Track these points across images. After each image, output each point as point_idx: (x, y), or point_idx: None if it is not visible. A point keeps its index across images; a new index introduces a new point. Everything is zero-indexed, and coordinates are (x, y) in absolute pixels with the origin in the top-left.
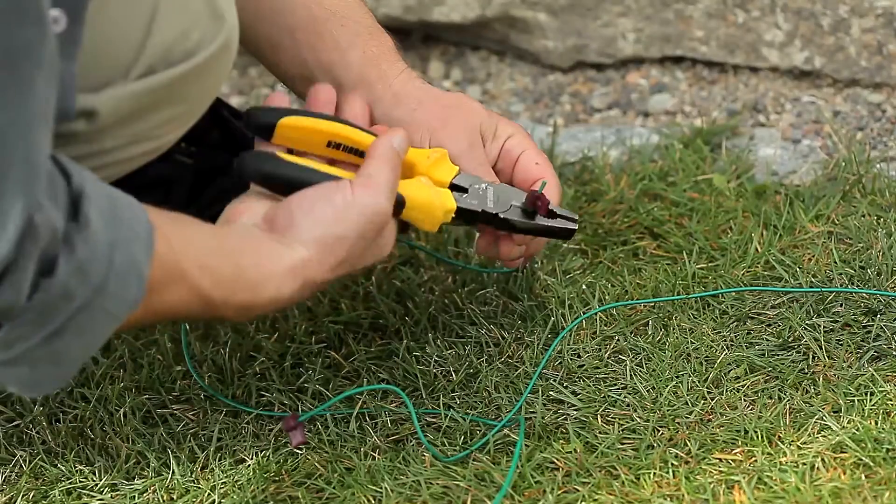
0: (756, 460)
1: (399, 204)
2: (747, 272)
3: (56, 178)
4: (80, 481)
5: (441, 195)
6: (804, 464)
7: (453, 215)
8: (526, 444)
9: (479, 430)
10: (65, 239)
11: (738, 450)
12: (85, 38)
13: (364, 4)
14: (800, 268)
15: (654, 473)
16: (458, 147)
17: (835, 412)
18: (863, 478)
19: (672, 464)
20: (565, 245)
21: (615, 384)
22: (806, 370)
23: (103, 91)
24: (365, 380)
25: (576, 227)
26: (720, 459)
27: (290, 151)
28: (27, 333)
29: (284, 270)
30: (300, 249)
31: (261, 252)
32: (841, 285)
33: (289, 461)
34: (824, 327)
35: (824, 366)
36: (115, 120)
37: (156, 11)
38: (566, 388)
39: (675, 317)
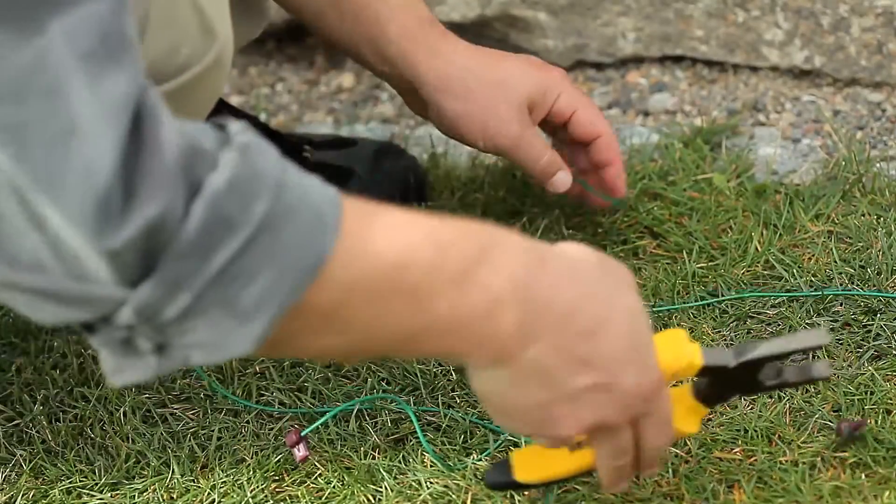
0: (756, 460)
1: None
2: (747, 271)
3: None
4: (80, 480)
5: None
6: (804, 463)
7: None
8: (526, 444)
9: (479, 430)
10: (212, 159)
11: (738, 449)
12: None
13: None
14: (800, 267)
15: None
16: (511, 137)
17: (835, 412)
18: (863, 477)
19: (672, 463)
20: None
21: None
22: None
23: None
24: (365, 379)
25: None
26: (720, 459)
27: None
28: (189, 271)
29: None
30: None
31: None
32: (841, 284)
33: (289, 461)
34: (824, 327)
35: None
36: None
37: (144, 27)
38: None
39: (675, 316)
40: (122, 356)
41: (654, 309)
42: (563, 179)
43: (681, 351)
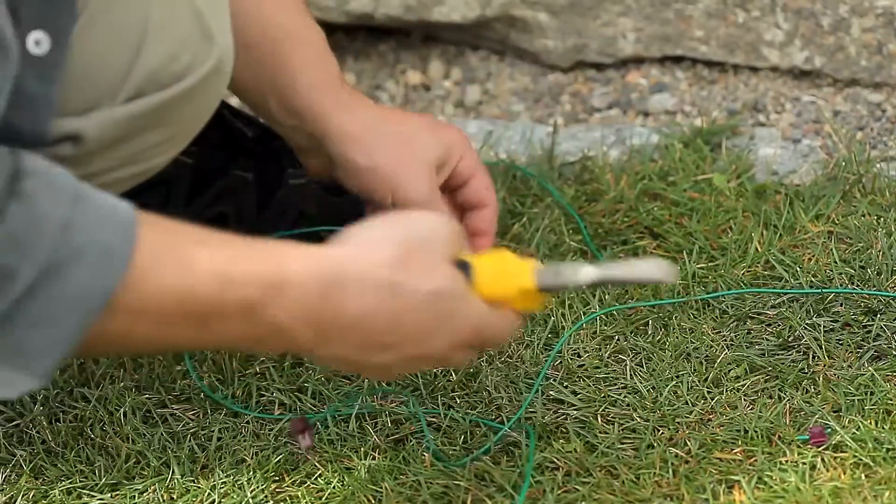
0: (756, 460)
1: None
2: (747, 272)
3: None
4: (80, 481)
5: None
6: (804, 463)
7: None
8: (526, 444)
9: (480, 430)
10: None
11: (738, 449)
12: (70, 60)
13: (317, 26)
14: (800, 267)
15: (654, 473)
16: (421, 195)
17: (835, 412)
18: (863, 477)
19: (672, 463)
20: (565, 245)
21: (615, 384)
22: (806, 370)
23: (90, 114)
24: (365, 380)
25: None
26: (720, 459)
27: None
28: None
29: (313, 250)
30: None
31: (277, 243)
32: (841, 285)
33: (289, 461)
34: (824, 327)
35: (824, 365)
36: (102, 143)
37: (144, 33)
38: (566, 387)
39: (675, 316)
40: None
41: (630, 306)
42: None
43: (510, 279)
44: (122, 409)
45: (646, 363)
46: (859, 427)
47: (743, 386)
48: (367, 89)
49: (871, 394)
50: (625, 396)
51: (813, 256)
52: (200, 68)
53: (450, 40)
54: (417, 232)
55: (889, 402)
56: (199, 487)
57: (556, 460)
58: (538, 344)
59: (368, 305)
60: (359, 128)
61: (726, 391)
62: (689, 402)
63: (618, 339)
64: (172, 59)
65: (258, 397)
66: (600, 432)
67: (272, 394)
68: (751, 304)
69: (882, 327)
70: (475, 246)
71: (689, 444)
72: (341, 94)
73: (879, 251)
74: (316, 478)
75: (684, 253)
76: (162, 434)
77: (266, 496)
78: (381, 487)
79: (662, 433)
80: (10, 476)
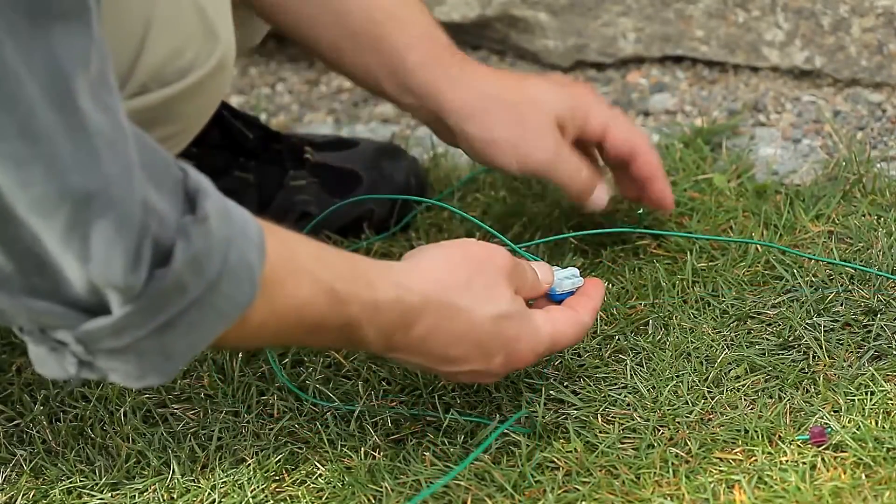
0: (756, 460)
1: None
2: (747, 271)
3: (171, 170)
4: (81, 480)
5: None
6: (804, 463)
7: None
8: (526, 444)
9: (480, 430)
10: (181, 231)
11: (738, 449)
12: None
13: (421, 3)
14: (800, 267)
15: (655, 473)
16: (545, 156)
17: (835, 411)
18: (863, 477)
19: (672, 463)
20: (565, 245)
21: (615, 383)
22: (806, 370)
23: None
24: (366, 379)
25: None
26: (720, 459)
27: None
28: (138, 322)
29: (401, 277)
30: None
31: (376, 260)
32: (841, 285)
33: (289, 461)
34: (824, 327)
35: (825, 365)
36: None
37: (148, 29)
38: (566, 387)
39: (676, 316)
40: (46, 353)
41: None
42: (599, 197)
43: None
44: (122, 409)
45: (646, 363)
46: (860, 427)
47: (743, 386)
48: None
49: (872, 393)
50: (625, 396)
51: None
52: (204, 65)
53: None
54: (476, 256)
55: (889, 401)
56: (200, 487)
57: (556, 460)
58: None
59: (430, 325)
60: (472, 101)
61: (726, 391)
62: (689, 401)
63: (618, 339)
64: (176, 56)
65: (258, 397)
66: (600, 432)
67: (272, 393)
68: (751, 303)
69: (882, 327)
70: (650, 191)
71: (689, 443)
72: (451, 69)
73: (880, 251)
74: (316, 478)
75: (685, 252)
76: (162, 433)
77: (266, 496)
78: (381, 487)
79: (663, 433)
80: (10, 475)
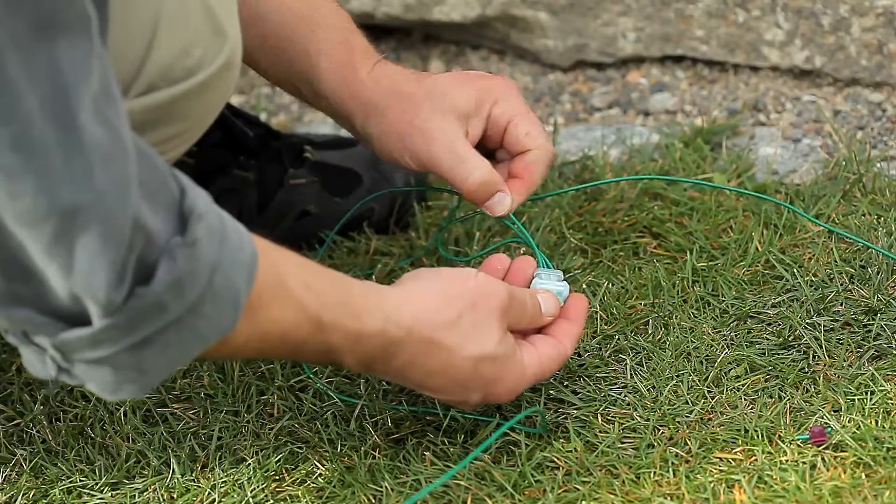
0: (756, 459)
1: None
2: (747, 271)
3: (168, 188)
4: (81, 480)
5: None
6: (804, 463)
7: None
8: (526, 444)
9: (480, 430)
10: (167, 251)
11: (738, 449)
12: None
13: (338, 6)
14: (800, 267)
15: (655, 472)
16: (437, 151)
17: (835, 411)
18: (863, 477)
19: (672, 463)
20: (566, 244)
21: (615, 383)
22: (806, 369)
23: None
24: (367, 379)
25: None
26: (720, 458)
27: None
28: (115, 337)
29: (391, 308)
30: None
31: (371, 286)
32: (841, 285)
33: (289, 460)
34: (825, 326)
35: (825, 365)
36: None
37: (156, 28)
38: (566, 387)
39: (676, 316)
40: (30, 354)
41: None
42: (501, 202)
43: None
44: (122, 409)
45: (646, 363)
46: (859, 426)
47: (743, 385)
48: None
49: (872, 393)
50: (625, 396)
51: (813, 256)
52: (212, 63)
53: (450, 39)
54: (471, 293)
55: (889, 401)
56: (200, 487)
57: (556, 459)
58: None
59: (409, 359)
60: (375, 100)
61: (726, 391)
62: (689, 401)
63: (618, 339)
64: (184, 54)
65: (258, 396)
66: (600, 432)
67: (272, 393)
68: (751, 303)
69: (882, 327)
70: (509, 188)
71: (689, 443)
72: (361, 73)
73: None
74: (316, 477)
75: (686, 252)
76: (162, 433)
77: (266, 496)
78: (381, 486)
79: (663, 432)
80: (10, 475)
